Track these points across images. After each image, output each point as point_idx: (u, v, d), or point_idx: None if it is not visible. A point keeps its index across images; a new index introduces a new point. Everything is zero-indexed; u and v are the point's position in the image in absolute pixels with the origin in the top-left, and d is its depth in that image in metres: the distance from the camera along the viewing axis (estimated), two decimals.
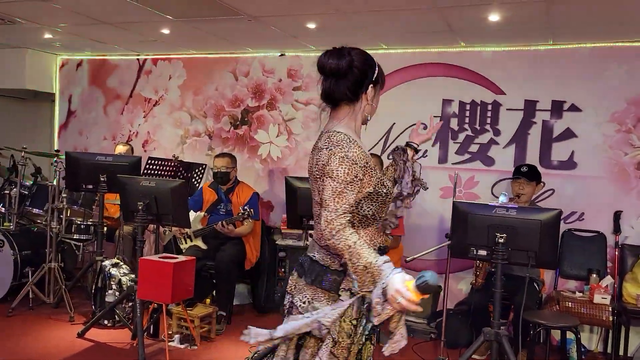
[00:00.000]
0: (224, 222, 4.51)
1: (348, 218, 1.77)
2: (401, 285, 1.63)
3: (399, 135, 5.08)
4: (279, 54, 5.53)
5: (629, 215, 4.34)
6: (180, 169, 5.12)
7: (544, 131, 4.63)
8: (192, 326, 3.97)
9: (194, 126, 5.95)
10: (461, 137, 4.89)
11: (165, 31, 4.94)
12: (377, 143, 5.16)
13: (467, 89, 4.85)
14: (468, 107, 4.86)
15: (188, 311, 4.01)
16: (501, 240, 3.06)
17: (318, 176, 1.85)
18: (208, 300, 4.47)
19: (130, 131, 6.27)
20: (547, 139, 4.63)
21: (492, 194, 4.73)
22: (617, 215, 4.34)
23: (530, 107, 4.67)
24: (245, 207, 4.48)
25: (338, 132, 1.85)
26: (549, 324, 3.50)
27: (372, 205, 1.87)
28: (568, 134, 4.57)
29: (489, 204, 3.30)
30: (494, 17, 3.87)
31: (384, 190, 1.89)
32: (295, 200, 3.63)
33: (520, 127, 4.70)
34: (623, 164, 4.40)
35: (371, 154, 4.55)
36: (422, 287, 1.62)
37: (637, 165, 4.36)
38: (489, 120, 4.80)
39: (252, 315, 4.94)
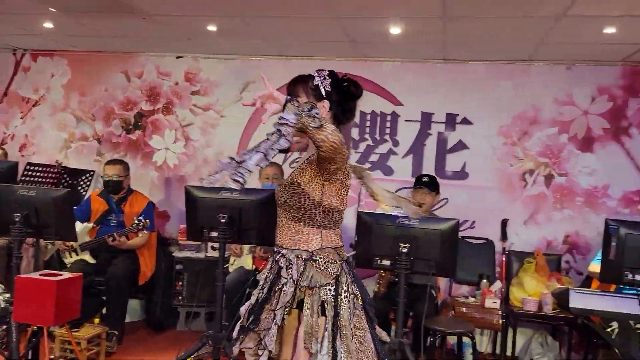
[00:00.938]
0: (115, 234, 4.17)
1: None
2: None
3: None
4: (176, 55, 5.27)
5: (515, 223, 4.63)
6: (65, 175, 4.69)
7: (439, 142, 4.82)
8: (78, 349, 3.62)
9: (80, 129, 5.49)
10: (362, 146, 4.95)
11: (49, 25, 4.51)
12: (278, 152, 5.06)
13: (367, 99, 4.92)
14: (369, 117, 4.94)
15: (73, 333, 3.65)
16: (404, 250, 3.10)
17: (311, 177, 2.16)
18: (97, 320, 4.11)
19: (5, 134, 5.65)
20: (441, 150, 4.82)
21: None
22: (504, 223, 4.60)
23: (426, 119, 4.84)
24: (140, 218, 4.19)
25: None
26: (448, 330, 3.61)
27: (341, 205, 2.18)
28: (460, 146, 4.79)
29: (393, 214, 3.34)
30: (394, 30, 3.96)
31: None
32: (195, 210, 3.43)
33: (417, 138, 4.85)
34: (509, 174, 4.69)
35: (271, 163, 4.48)
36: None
37: (521, 176, 4.68)
38: (388, 131, 4.91)
39: (145, 332, 4.63)
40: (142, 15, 4.04)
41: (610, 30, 3.59)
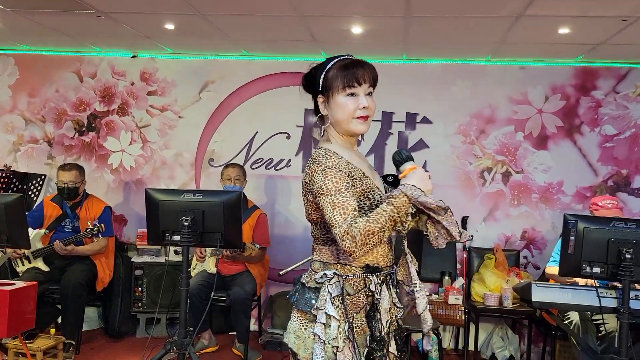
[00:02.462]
0: (59, 241, 3.99)
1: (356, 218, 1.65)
2: (421, 171, 1.76)
3: (262, 145, 4.99)
4: (131, 55, 5.12)
5: (475, 220, 4.73)
6: (14, 180, 4.48)
7: (400, 141, 4.86)
8: None
9: (29, 131, 5.26)
10: None
11: None
12: (239, 153, 5.01)
13: None
14: None
15: (28, 344, 3.48)
16: None
17: (304, 193, 1.79)
18: (52, 330, 3.93)
19: None
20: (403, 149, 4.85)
21: None
22: (464, 220, 4.69)
23: (387, 118, 4.87)
24: (95, 223, 4.05)
25: (318, 148, 1.80)
26: (414, 328, 3.63)
27: None
28: (421, 145, 4.84)
29: None
30: (356, 29, 3.97)
31: (367, 203, 1.74)
32: (156, 214, 3.33)
33: (379, 138, 4.88)
34: (469, 172, 4.78)
35: (234, 164, 4.42)
36: (404, 156, 1.82)
37: (480, 174, 4.77)
38: None
39: (104, 341, 4.47)
40: (96, 13, 3.90)
41: (564, 30, 3.70)
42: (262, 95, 4.99)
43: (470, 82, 4.75)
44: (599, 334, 3.51)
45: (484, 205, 4.76)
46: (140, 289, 4.60)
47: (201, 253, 4.23)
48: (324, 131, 1.83)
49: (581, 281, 3.32)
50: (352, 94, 1.74)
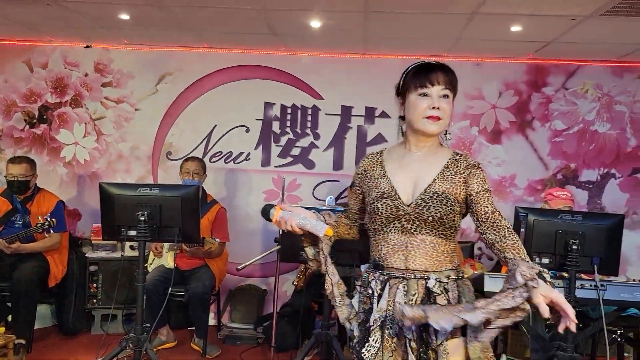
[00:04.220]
0: (3, 240, 3.85)
1: (353, 214, 2.04)
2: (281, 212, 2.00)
3: (221, 138, 4.94)
4: (85, 45, 4.97)
5: None
6: None
7: (359, 136, 4.91)
8: None
9: None
10: (283, 140, 4.94)
11: None
12: (198, 146, 4.95)
13: (288, 92, 4.91)
14: (289, 110, 4.93)
15: None
16: None
17: None
18: (2, 329, 3.81)
19: None
20: (362, 143, 4.91)
21: (314, 196, 4.87)
22: None
23: (346, 112, 4.90)
24: (47, 218, 3.93)
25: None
26: None
27: (368, 217, 1.91)
28: (379, 139, 4.90)
29: (317, 207, 3.35)
30: (315, 23, 3.97)
31: (368, 200, 1.90)
32: (112, 208, 3.26)
33: (338, 132, 4.91)
34: None
35: (193, 157, 4.37)
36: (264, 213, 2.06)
37: None
38: (309, 124, 4.93)
39: (57, 339, 4.36)
40: (46, 1, 3.77)
41: (517, 28, 3.80)
42: (220, 88, 4.94)
43: None
44: (547, 322, 3.65)
45: None
46: (95, 285, 4.50)
47: (156, 249, 4.17)
48: (403, 131, 1.92)
49: None
50: (424, 94, 1.79)
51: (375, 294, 1.80)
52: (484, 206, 1.81)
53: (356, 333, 1.83)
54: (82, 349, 4.17)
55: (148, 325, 3.18)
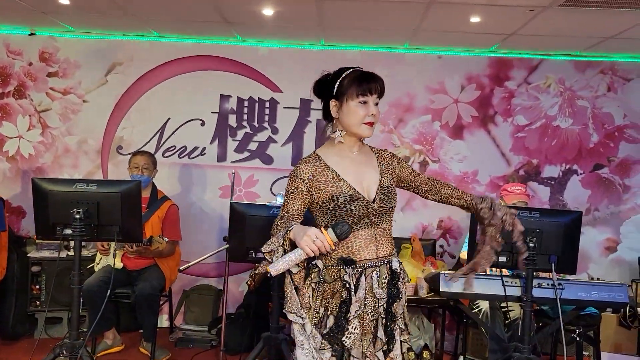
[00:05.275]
0: None
1: (286, 219, 1.98)
2: (314, 231, 1.80)
3: (174, 131, 4.73)
4: (29, 32, 4.70)
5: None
6: None
7: (318, 130, 4.75)
8: None
9: None
10: (240, 134, 4.75)
11: None
12: (150, 140, 4.73)
13: (245, 84, 4.72)
14: (246, 103, 4.74)
15: None
16: None
17: None
18: None
19: None
20: (321, 138, 4.75)
21: (272, 192, 4.70)
22: None
23: (305, 106, 4.74)
24: None
25: (313, 152, 2.09)
26: None
27: (323, 217, 2.00)
28: None
29: (267, 204, 3.20)
30: (267, 11, 3.79)
31: (332, 205, 1.96)
32: (45, 205, 3.03)
33: (296, 126, 4.75)
34: None
35: (142, 152, 4.15)
36: (341, 232, 1.82)
37: None
38: (267, 118, 4.75)
39: None
40: None
41: (476, 19, 3.69)
42: (174, 79, 4.72)
43: (389, 70, 4.68)
44: (506, 321, 3.57)
45: (402, 195, 4.69)
46: (38, 286, 4.26)
47: (103, 246, 3.95)
48: (330, 131, 2.08)
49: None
50: (363, 102, 1.98)
51: (352, 286, 1.95)
52: (421, 177, 2.22)
53: (329, 324, 1.93)
54: (23, 354, 3.94)
55: (84, 330, 2.97)
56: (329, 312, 1.94)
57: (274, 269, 1.84)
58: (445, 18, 3.74)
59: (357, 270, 1.97)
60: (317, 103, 4.82)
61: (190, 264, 3.33)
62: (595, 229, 4.62)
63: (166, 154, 4.74)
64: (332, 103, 2.03)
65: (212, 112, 4.74)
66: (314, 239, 1.78)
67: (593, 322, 3.58)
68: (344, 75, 2.01)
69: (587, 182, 4.66)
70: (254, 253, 3.14)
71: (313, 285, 1.94)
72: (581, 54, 4.54)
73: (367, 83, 1.98)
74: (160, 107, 4.73)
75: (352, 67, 2.05)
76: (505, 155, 4.69)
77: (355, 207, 1.95)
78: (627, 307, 4.00)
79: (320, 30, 4.25)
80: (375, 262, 2.00)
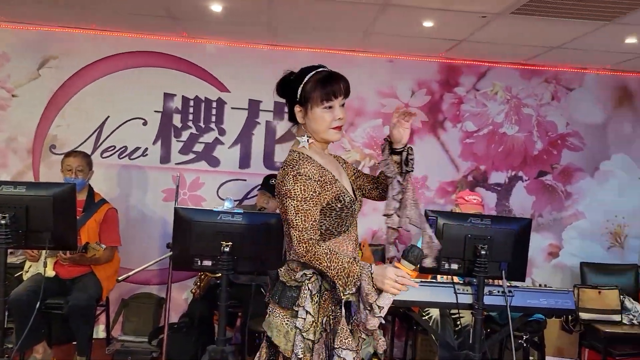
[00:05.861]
0: None
1: (318, 232, 1.84)
2: (392, 271, 1.71)
3: (114, 131, 4.48)
4: None
5: None
6: None
7: (267, 132, 4.62)
8: None
9: None
10: (185, 135, 4.55)
11: None
12: (87, 139, 4.45)
13: (190, 83, 4.53)
14: (192, 103, 4.55)
15: None
16: (226, 249, 2.82)
17: (277, 193, 1.91)
18: None
19: None
20: (270, 140, 4.63)
21: (219, 196, 4.52)
22: None
23: (254, 107, 4.60)
24: None
25: (292, 151, 1.93)
26: None
27: (325, 220, 1.88)
28: (289, 136, 4.61)
29: (214, 209, 3.04)
30: (216, 7, 3.63)
31: (339, 205, 1.88)
32: None
33: (245, 127, 4.60)
34: None
35: (75, 152, 3.89)
36: (415, 257, 1.74)
37: None
38: (214, 119, 4.58)
39: None
40: None
41: (428, 23, 3.67)
42: (114, 75, 4.47)
43: (340, 72, 4.60)
44: (456, 328, 3.55)
45: None
46: None
47: (32, 253, 3.67)
48: (295, 139, 1.98)
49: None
50: (329, 107, 1.90)
51: None
52: (365, 175, 2.19)
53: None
54: None
55: (9, 346, 2.72)
56: (336, 319, 1.88)
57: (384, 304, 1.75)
58: (399, 21, 3.70)
59: None
60: (266, 104, 4.74)
61: (130, 273, 3.11)
62: (539, 235, 4.71)
63: (104, 155, 4.48)
64: (297, 109, 1.94)
65: (155, 111, 4.52)
66: (396, 279, 1.72)
67: (539, 328, 3.63)
68: (306, 79, 1.92)
69: (532, 188, 4.76)
70: (199, 261, 2.96)
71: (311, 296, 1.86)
72: (527, 62, 4.63)
73: (331, 86, 1.90)
74: (99, 104, 4.46)
75: (314, 68, 1.95)
76: (454, 161, 4.72)
77: (356, 207, 1.97)
78: None
79: (269, 29, 4.12)
80: None
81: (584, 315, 4.14)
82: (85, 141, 4.44)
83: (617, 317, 4.17)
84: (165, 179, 4.51)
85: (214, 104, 4.57)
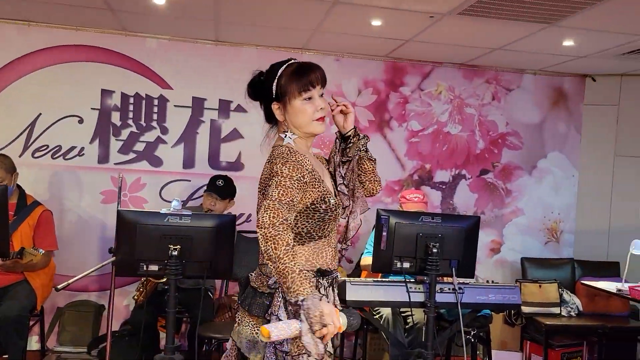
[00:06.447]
0: None
1: (292, 215, 1.70)
2: (329, 312, 1.54)
3: (47, 129, 4.21)
4: None
5: None
6: None
7: (212, 131, 4.49)
8: None
9: None
10: (125, 133, 4.35)
11: None
12: (17, 138, 4.17)
13: (130, 79, 4.33)
14: (132, 100, 4.35)
15: None
16: (175, 253, 2.70)
17: (260, 190, 1.82)
18: None
19: None
20: (215, 139, 4.50)
21: (161, 197, 4.35)
22: None
23: (198, 104, 4.46)
24: None
25: (279, 146, 1.83)
26: (223, 336, 3.33)
27: (307, 222, 1.79)
28: (235, 135, 4.53)
29: (161, 211, 2.90)
30: (159, 0, 3.47)
31: (323, 206, 1.79)
32: None
33: (188, 126, 4.44)
34: None
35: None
36: (351, 324, 1.62)
37: None
38: (155, 117, 4.40)
39: None
40: None
41: (377, 22, 3.67)
42: (47, 69, 4.21)
43: None
44: (407, 326, 3.58)
45: None
46: None
47: None
48: (277, 136, 1.91)
49: None
50: (308, 98, 1.83)
51: (329, 299, 1.82)
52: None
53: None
54: None
55: None
56: None
57: (274, 334, 1.55)
58: (347, 19, 3.68)
59: (328, 282, 1.86)
60: (211, 102, 4.61)
61: (71, 281, 2.92)
62: (482, 232, 4.80)
63: (36, 154, 4.21)
64: (275, 106, 1.86)
65: (92, 109, 4.29)
66: (328, 323, 1.52)
67: (486, 323, 3.72)
68: (279, 73, 1.84)
69: (475, 186, 4.87)
70: (145, 266, 2.81)
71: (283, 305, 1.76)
72: (469, 63, 4.73)
73: (307, 76, 1.83)
74: (30, 101, 4.18)
75: (285, 62, 1.89)
76: (401, 160, 4.76)
77: (339, 210, 1.89)
78: None
79: (215, 25, 4.00)
80: (336, 273, 1.92)
81: (525, 309, 4.27)
82: (14, 140, 4.16)
83: (556, 310, 4.35)
84: (104, 180, 4.30)
85: (156, 102, 4.39)
